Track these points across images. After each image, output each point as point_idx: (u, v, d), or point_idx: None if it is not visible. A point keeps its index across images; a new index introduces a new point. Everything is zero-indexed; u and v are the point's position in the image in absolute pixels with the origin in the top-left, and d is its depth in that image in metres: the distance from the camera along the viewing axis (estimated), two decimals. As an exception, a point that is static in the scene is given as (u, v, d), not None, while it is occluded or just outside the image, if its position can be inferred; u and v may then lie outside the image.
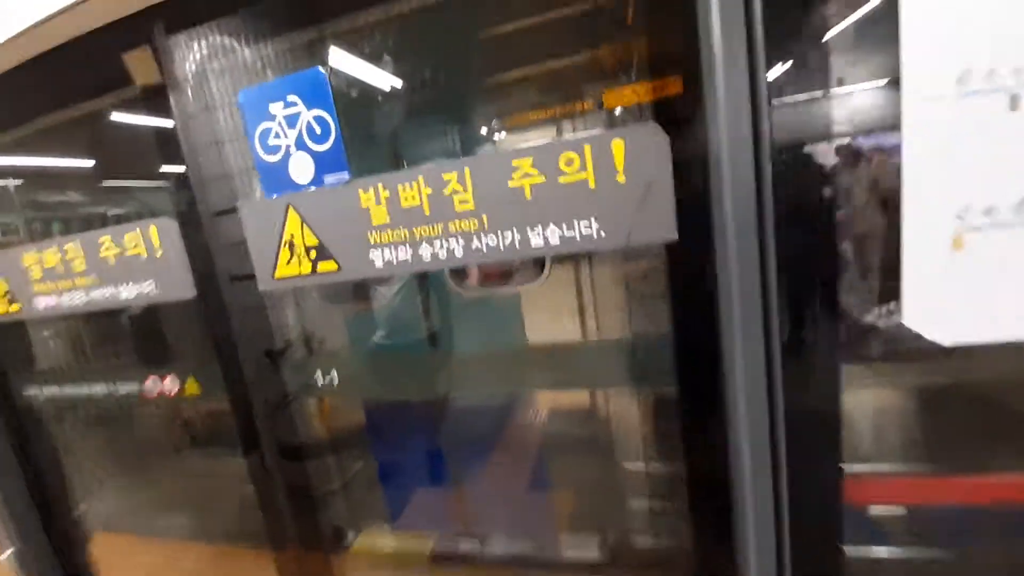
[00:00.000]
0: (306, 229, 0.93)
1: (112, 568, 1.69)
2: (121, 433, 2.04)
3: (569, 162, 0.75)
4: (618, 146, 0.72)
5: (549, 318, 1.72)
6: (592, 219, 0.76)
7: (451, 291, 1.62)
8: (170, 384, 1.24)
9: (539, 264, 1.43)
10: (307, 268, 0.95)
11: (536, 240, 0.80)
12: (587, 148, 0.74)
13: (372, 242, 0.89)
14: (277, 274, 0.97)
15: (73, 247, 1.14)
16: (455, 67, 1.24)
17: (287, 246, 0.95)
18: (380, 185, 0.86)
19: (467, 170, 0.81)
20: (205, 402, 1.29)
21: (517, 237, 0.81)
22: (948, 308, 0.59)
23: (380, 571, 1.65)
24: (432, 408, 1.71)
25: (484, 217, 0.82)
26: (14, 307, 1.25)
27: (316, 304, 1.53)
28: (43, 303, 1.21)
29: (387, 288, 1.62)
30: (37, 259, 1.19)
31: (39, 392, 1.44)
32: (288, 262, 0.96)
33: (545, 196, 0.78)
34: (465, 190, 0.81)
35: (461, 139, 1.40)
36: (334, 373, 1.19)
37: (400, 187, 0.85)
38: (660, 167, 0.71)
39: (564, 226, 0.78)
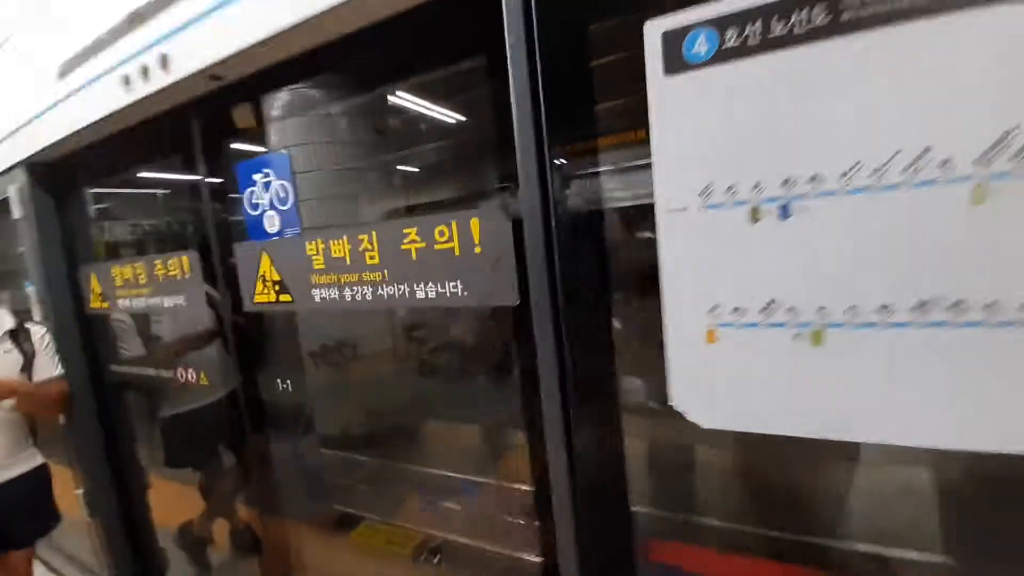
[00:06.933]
0: (273, 268, 1.18)
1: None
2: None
3: (442, 233, 0.91)
4: (476, 222, 0.87)
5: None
6: (459, 280, 0.91)
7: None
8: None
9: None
10: (273, 298, 1.20)
11: (420, 294, 0.96)
12: (453, 224, 0.89)
13: (314, 282, 1.12)
14: (255, 300, 1.24)
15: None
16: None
17: (261, 279, 1.21)
18: (319, 239, 1.09)
19: (374, 233, 1.00)
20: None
21: (407, 290, 0.98)
22: (705, 394, 0.64)
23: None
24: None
25: (385, 271, 1.00)
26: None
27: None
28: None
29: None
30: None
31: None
32: (261, 292, 1.22)
33: (425, 259, 0.94)
34: (373, 248, 1.01)
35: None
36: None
37: (332, 241, 1.07)
38: (505, 241, 0.84)
39: (440, 284, 0.93)
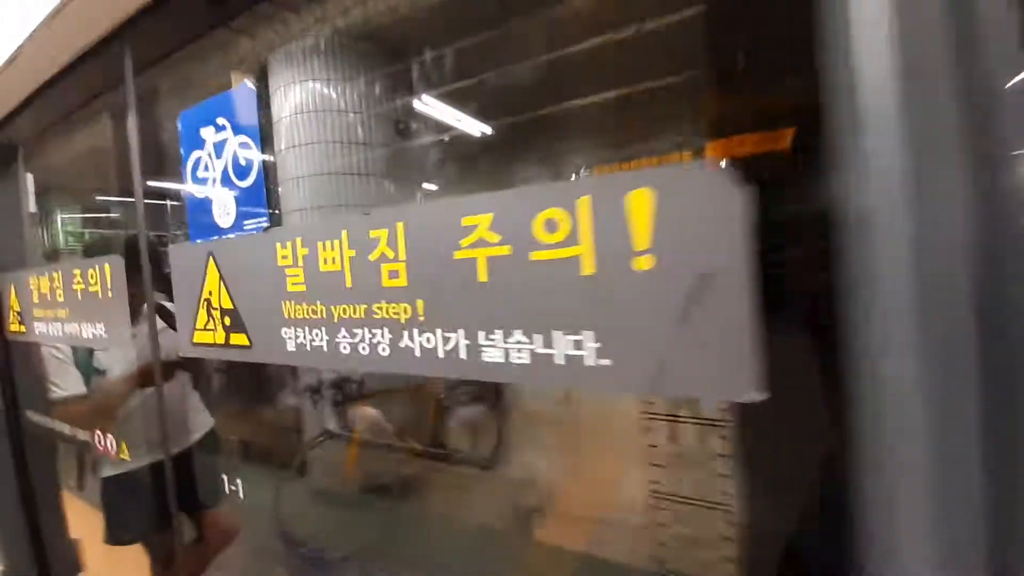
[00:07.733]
0: (223, 288, 0.69)
1: None
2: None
3: (551, 226, 0.41)
4: (641, 201, 0.37)
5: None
6: (589, 331, 0.40)
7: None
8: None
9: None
10: (221, 338, 0.71)
11: (493, 353, 0.45)
12: (583, 202, 0.39)
13: (286, 315, 0.62)
14: (195, 339, 0.75)
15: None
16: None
17: (205, 306, 0.72)
18: (299, 239, 0.60)
19: (400, 226, 0.50)
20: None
21: (464, 343, 0.47)
22: None
23: None
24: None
25: (419, 302, 0.50)
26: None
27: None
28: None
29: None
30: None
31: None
32: (204, 326, 0.73)
33: (510, 280, 0.44)
34: (397, 256, 0.51)
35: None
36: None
37: (320, 244, 0.57)
38: (730, 246, 0.34)
39: (539, 338, 0.43)
